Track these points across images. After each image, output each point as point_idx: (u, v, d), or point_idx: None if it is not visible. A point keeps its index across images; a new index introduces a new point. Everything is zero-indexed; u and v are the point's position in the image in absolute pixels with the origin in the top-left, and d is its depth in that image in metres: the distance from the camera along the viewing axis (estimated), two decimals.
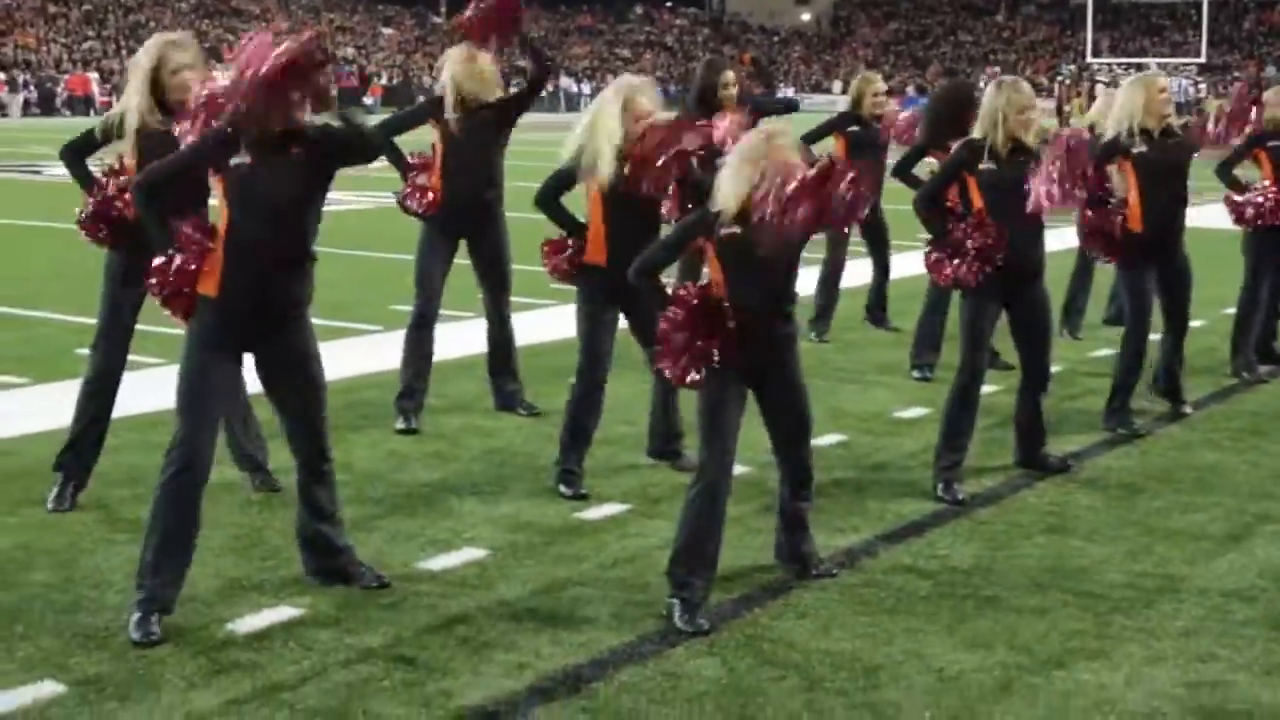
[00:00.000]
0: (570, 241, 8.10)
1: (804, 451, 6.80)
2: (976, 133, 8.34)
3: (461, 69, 9.30)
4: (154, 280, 6.22)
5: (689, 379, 6.35)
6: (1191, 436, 9.60)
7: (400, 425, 9.40)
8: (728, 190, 6.37)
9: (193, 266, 6.16)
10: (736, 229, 6.36)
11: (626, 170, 7.74)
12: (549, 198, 8.14)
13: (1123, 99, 9.77)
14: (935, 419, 9.24)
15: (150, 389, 8.99)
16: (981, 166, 8.28)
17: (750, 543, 7.19)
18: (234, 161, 6.16)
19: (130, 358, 7.85)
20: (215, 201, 6.45)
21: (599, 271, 7.93)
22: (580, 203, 8.03)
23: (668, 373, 6.42)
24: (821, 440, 9.11)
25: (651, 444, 8.64)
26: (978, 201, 8.28)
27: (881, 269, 13.33)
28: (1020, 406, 8.63)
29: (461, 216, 9.46)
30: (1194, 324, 10.28)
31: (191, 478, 6.11)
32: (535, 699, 5.47)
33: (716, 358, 6.30)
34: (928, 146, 11.14)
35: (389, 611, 6.30)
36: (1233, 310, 11.58)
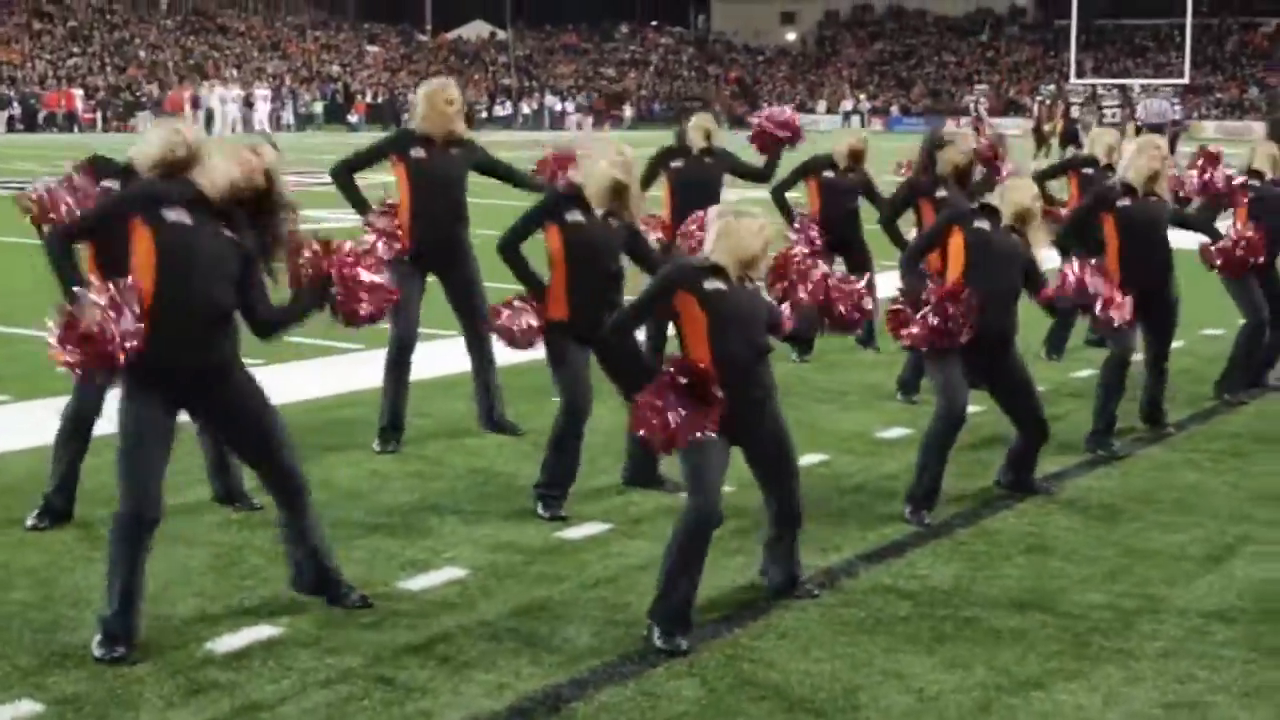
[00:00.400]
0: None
1: (791, 490, 6.77)
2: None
3: (436, 104, 9.35)
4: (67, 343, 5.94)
5: (676, 447, 6.35)
6: (1172, 457, 9.63)
7: (377, 448, 9.42)
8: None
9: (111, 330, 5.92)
10: (722, 285, 6.41)
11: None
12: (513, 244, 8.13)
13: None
14: (916, 440, 9.28)
15: None
16: (975, 225, 8.34)
17: (728, 563, 7.19)
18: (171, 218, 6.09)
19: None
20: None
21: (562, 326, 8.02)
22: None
23: (653, 443, 6.35)
24: (803, 460, 9.09)
25: (627, 471, 8.64)
26: (956, 268, 8.31)
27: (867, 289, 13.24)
28: (1017, 444, 8.63)
29: (432, 254, 9.42)
30: (1177, 344, 10.32)
31: (138, 524, 6.04)
32: (515, 719, 5.47)
33: (710, 429, 6.28)
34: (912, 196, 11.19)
35: (369, 631, 6.30)
36: (1210, 331, 11.66)
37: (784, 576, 6.81)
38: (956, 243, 8.28)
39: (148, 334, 5.95)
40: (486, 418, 9.79)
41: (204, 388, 6.21)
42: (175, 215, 6.07)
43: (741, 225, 6.46)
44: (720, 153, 11.73)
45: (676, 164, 11.53)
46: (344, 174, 9.46)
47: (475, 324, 9.54)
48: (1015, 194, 8.33)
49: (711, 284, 6.39)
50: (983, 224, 8.27)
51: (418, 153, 9.34)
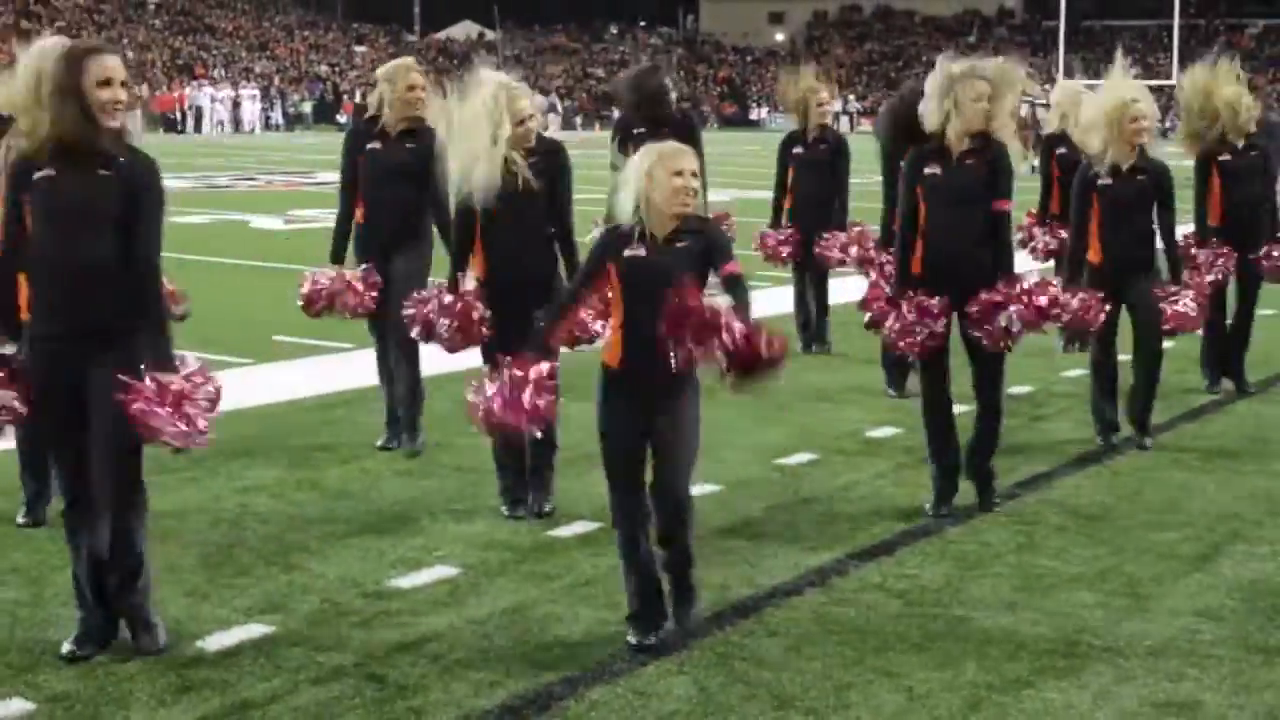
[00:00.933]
0: None
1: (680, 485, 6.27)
2: None
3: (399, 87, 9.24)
4: None
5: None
6: (1160, 457, 9.64)
7: (380, 443, 9.45)
8: (625, 205, 6.16)
9: None
10: (641, 250, 6.12)
11: None
12: None
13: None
14: (906, 439, 9.31)
15: None
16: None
17: (719, 561, 7.20)
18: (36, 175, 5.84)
19: None
20: None
21: None
22: None
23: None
24: (792, 459, 9.17)
25: None
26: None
27: (821, 298, 13.25)
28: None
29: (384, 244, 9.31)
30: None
31: (74, 513, 6.04)
32: (506, 717, 5.47)
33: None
34: None
35: (359, 629, 6.30)
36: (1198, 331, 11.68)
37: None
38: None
39: (31, 300, 5.91)
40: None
41: (84, 356, 5.87)
42: (42, 173, 5.83)
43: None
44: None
45: None
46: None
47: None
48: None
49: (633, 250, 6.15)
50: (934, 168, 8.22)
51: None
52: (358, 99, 72.19)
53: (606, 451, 6.25)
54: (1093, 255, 9.56)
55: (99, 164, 5.78)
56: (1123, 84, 9.76)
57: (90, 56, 5.83)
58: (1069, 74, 74.41)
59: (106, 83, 5.79)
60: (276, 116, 68.62)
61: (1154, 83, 68.93)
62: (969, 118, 8.07)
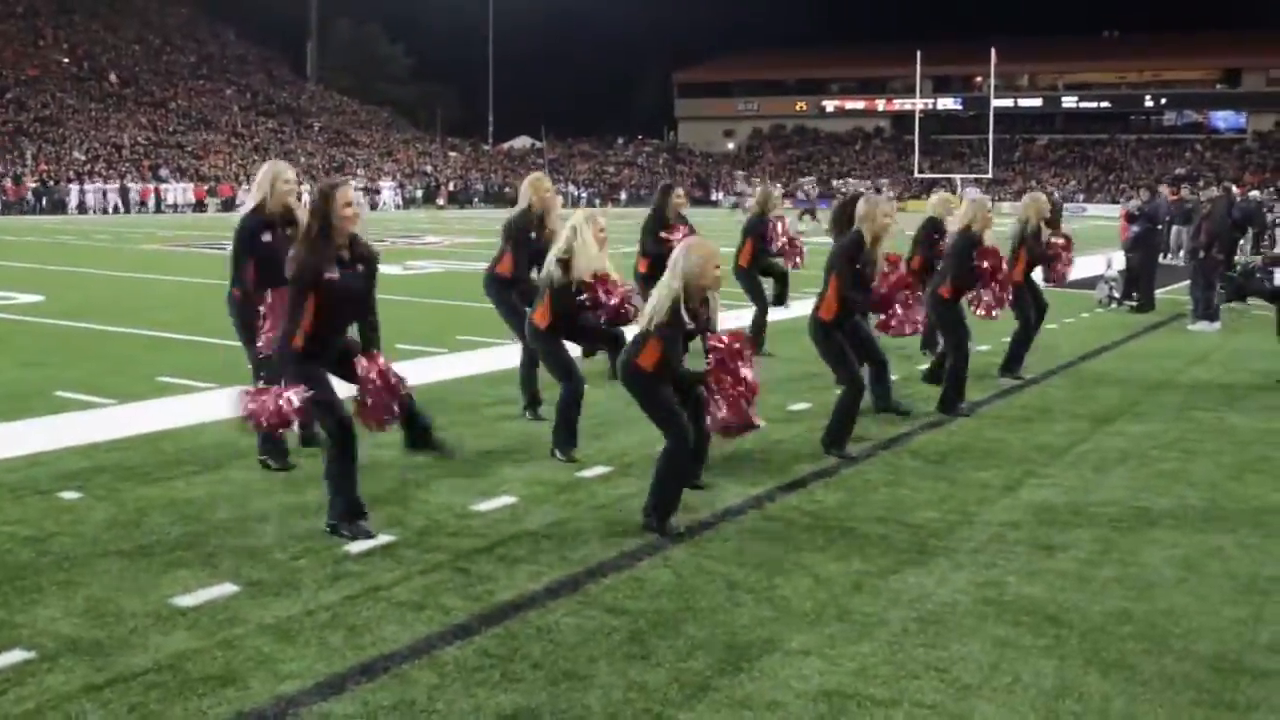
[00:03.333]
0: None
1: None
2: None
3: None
4: None
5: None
6: (982, 422, 9.63)
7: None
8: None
9: None
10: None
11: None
12: None
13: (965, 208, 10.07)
14: (816, 412, 9.29)
15: None
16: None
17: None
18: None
19: None
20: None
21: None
22: None
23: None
24: None
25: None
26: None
27: (763, 309, 12.79)
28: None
29: None
30: (983, 347, 10.32)
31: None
32: (548, 596, 5.47)
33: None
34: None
35: (451, 538, 6.29)
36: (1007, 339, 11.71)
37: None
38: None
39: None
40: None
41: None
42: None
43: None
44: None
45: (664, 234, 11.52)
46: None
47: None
48: None
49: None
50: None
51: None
52: (451, 187, 72.46)
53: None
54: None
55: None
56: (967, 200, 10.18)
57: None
58: (919, 171, 74.55)
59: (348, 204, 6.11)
60: (398, 199, 68.63)
61: (974, 176, 68.81)
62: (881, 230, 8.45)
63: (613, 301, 7.72)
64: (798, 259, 12.79)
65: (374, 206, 64.88)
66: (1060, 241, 11.82)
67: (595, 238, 7.78)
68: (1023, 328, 11.58)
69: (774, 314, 13.07)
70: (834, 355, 8.42)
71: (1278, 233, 22.11)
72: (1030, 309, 11.54)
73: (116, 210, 54.62)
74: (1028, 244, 11.37)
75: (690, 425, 6.46)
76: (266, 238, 7.50)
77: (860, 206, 8.53)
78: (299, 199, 7.62)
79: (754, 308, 12.74)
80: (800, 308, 13.21)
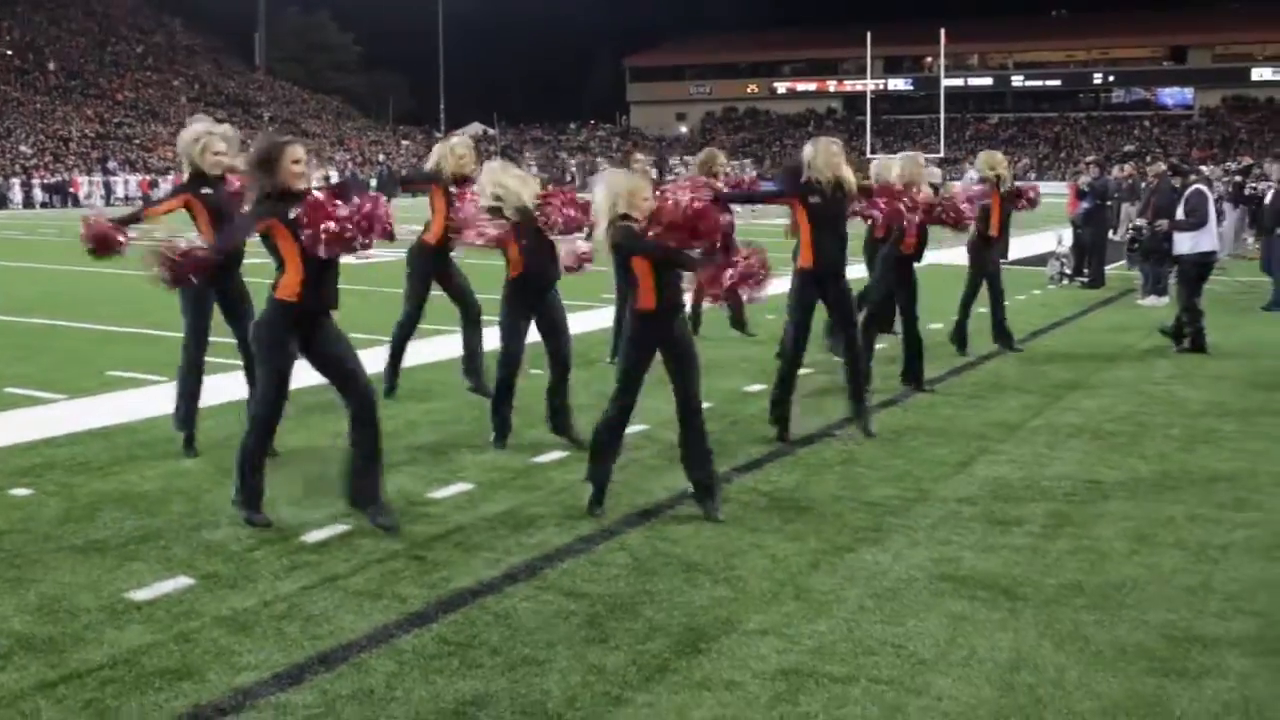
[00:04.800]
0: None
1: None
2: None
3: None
4: None
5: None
6: (935, 400, 9.69)
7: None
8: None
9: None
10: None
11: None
12: None
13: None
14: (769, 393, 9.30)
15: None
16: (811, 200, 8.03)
17: (649, 476, 7.20)
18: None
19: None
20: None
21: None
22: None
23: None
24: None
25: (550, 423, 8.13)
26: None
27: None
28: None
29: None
30: (935, 326, 10.38)
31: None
32: (505, 581, 5.46)
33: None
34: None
35: (408, 525, 6.26)
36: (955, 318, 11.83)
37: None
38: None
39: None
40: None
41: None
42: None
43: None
44: None
45: None
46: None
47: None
48: None
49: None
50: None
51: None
52: (404, 174, 71.98)
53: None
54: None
55: None
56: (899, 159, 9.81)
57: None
58: (872, 151, 74.83)
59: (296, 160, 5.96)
60: None
61: (926, 155, 69.46)
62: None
63: (570, 212, 7.60)
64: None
65: None
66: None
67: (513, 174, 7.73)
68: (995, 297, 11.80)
69: None
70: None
71: (1224, 206, 22.47)
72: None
73: (64, 204, 53.93)
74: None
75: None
76: (205, 190, 7.61)
77: (806, 150, 8.27)
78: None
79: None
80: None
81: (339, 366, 6.14)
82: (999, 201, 11.67)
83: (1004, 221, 11.90)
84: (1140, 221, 15.90)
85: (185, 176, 7.78)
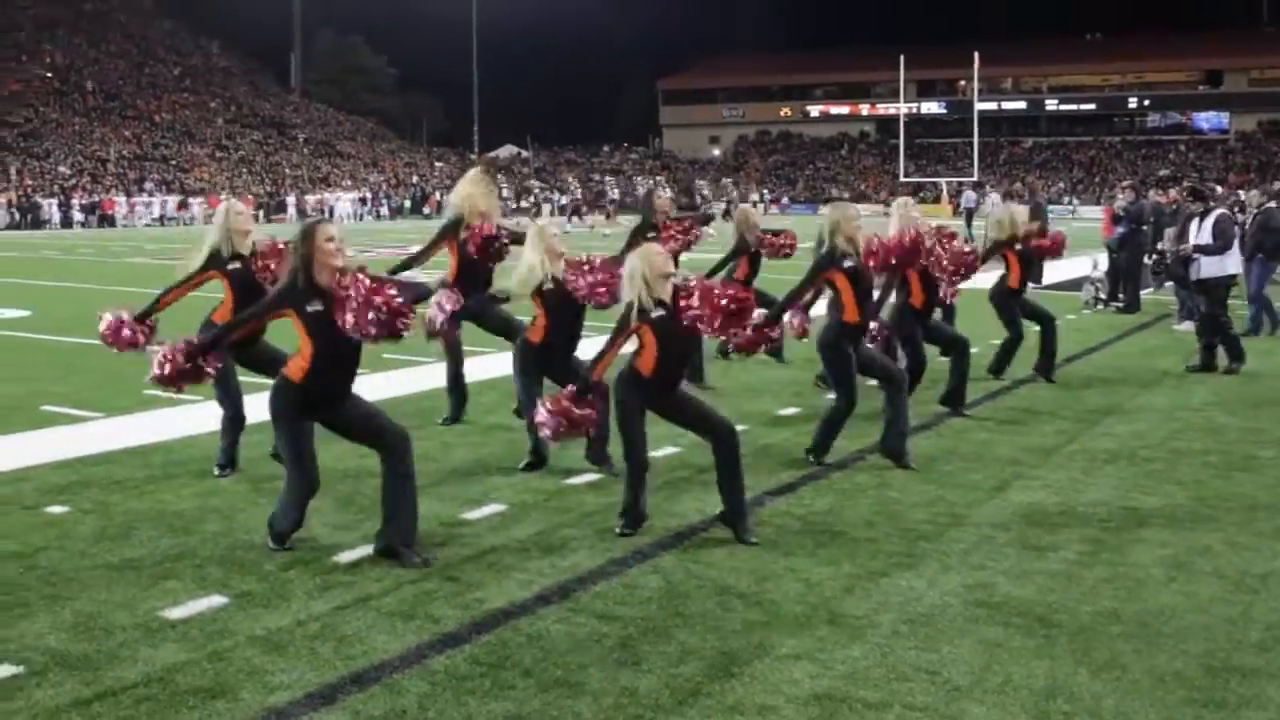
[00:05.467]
0: None
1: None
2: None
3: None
4: None
5: None
6: (970, 424, 9.64)
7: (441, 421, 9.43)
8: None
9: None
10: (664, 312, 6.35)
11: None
12: None
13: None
14: (804, 417, 9.29)
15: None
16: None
17: (680, 499, 7.19)
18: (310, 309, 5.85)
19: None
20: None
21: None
22: None
23: None
24: None
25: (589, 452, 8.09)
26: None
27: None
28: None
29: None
30: (974, 350, 10.32)
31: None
32: (538, 603, 5.46)
33: None
34: None
35: (441, 547, 6.28)
36: (994, 341, 11.74)
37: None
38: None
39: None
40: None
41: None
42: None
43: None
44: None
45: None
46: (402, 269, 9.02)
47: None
48: None
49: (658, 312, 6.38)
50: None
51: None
52: (438, 197, 72.29)
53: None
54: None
55: None
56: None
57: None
58: (906, 174, 74.71)
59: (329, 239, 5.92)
60: (384, 210, 68.42)
61: (956, 180, 68.91)
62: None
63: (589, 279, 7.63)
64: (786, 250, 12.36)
65: (359, 217, 64.71)
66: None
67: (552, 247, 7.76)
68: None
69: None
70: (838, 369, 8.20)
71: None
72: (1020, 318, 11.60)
73: (101, 224, 54.47)
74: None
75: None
76: (234, 265, 7.63)
77: (829, 213, 8.31)
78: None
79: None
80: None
81: (365, 426, 6.09)
82: (1016, 260, 11.49)
83: (1025, 268, 11.68)
84: (1163, 245, 16.03)
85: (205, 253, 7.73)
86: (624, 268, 6.50)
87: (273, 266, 7.52)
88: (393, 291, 5.76)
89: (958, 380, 10.02)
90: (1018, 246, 11.33)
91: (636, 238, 11.47)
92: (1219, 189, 19.62)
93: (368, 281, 5.75)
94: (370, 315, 5.69)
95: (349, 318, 5.73)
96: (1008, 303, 11.53)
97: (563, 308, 7.70)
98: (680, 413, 6.58)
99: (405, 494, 6.05)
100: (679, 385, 6.55)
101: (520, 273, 7.69)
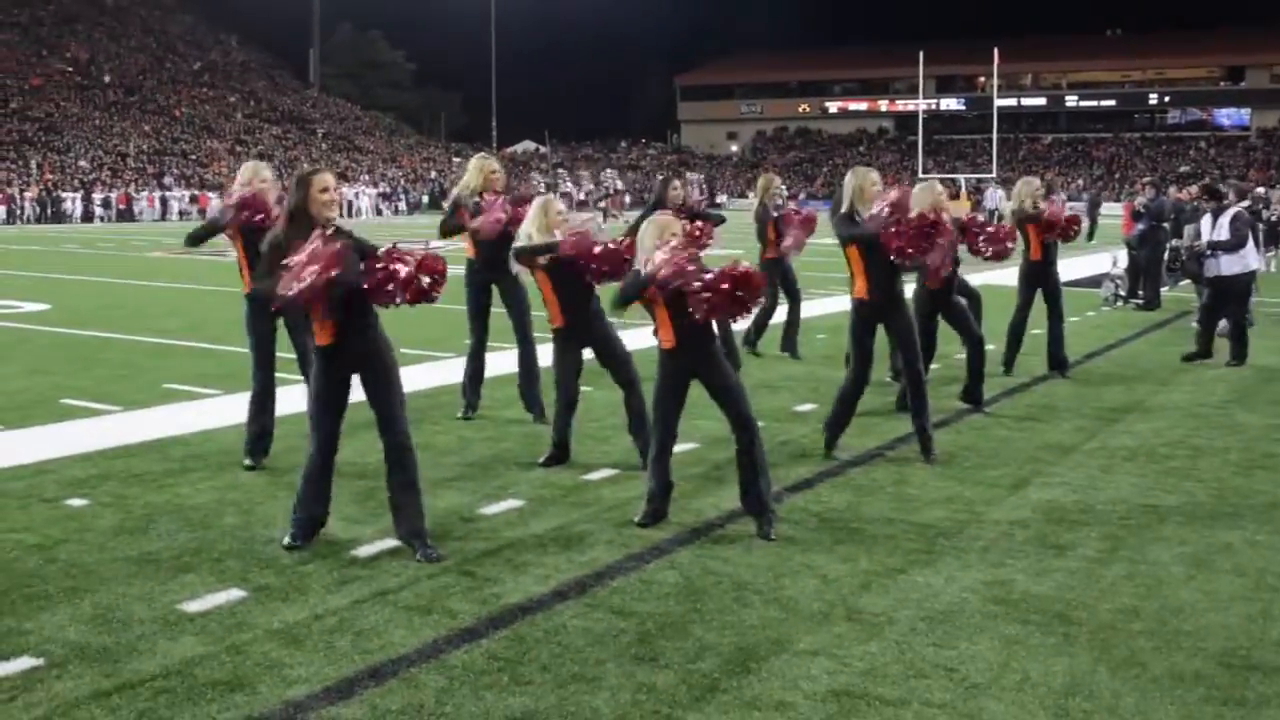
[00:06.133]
0: None
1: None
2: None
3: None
4: None
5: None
6: (988, 421, 9.62)
7: (460, 416, 9.41)
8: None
9: None
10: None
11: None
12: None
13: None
14: (820, 414, 9.27)
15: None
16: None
17: (697, 494, 7.18)
18: None
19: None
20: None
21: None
22: None
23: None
24: None
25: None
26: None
27: (795, 311, 12.77)
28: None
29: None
30: (989, 347, 10.31)
31: None
32: (555, 598, 5.46)
33: None
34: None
35: (459, 542, 6.28)
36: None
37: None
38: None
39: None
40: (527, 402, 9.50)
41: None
42: None
43: None
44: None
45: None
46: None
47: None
48: None
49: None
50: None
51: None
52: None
53: None
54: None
55: None
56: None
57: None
58: (925, 170, 74.47)
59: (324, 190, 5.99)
60: (402, 204, 68.50)
61: (975, 176, 68.68)
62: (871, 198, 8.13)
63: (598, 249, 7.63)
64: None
65: (379, 212, 64.75)
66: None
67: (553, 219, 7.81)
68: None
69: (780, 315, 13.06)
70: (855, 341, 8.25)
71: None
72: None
73: (121, 218, 54.68)
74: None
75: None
76: (258, 218, 7.69)
77: (847, 179, 8.33)
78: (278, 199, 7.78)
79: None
80: (810, 307, 13.23)
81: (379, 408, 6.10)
82: (1037, 230, 11.46)
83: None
84: (1176, 242, 16.10)
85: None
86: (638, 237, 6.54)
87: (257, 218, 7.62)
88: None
89: (974, 377, 9.98)
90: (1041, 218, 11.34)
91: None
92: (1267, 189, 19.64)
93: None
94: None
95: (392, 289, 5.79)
96: (1030, 280, 11.55)
97: (568, 284, 7.72)
98: (711, 384, 6.53)
99: (409, 481, 6.08)
100: (711, 350, 6.50)
101: (517, 242, 7.85)
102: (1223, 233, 12.55)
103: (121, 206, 55.68)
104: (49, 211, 53.53)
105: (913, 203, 9.12)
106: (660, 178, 12.52)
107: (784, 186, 13.08)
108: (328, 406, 6.05)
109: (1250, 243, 12.77)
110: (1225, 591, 5.59)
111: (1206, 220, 12.94)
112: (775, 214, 12.39)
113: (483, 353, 9.49)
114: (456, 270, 8.24)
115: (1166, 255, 18.19)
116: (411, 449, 6.08)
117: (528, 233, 7.78)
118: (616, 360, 7.80)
